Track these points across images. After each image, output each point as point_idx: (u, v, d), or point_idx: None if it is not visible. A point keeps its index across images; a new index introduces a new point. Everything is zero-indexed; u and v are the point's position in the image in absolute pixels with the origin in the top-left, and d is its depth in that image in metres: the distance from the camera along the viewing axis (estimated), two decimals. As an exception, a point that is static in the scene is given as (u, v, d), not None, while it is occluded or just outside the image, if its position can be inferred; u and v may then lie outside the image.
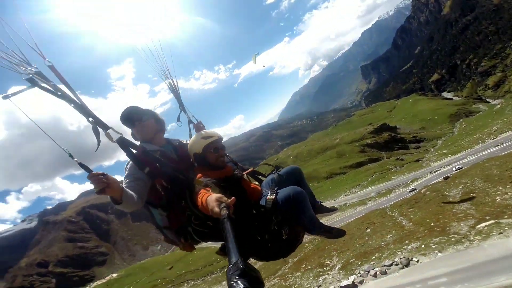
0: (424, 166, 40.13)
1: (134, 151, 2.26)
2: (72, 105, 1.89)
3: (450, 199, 19.91)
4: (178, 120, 3.06)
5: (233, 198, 1.75)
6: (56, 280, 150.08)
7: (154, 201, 2.39)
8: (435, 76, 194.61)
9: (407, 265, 14.23)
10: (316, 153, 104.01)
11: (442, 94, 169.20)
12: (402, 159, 58.51)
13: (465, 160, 33.96)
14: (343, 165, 73.76)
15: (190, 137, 3.00)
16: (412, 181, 34.31)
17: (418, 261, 14.05)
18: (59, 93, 1.83)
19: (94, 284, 75.30)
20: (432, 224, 17.02)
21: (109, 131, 2.03)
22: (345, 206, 37.64)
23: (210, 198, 1.83)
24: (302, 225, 2.41)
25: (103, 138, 2.10)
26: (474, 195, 18.51)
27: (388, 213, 23.59)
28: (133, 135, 2.65)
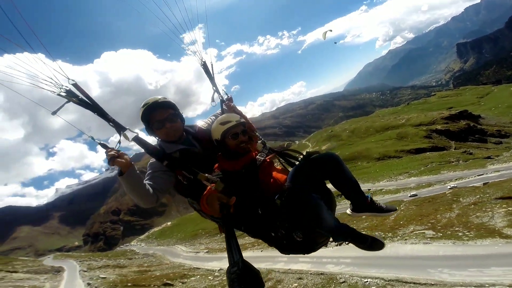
0: (489, 166, 34.84)
1: (151, 147, 2.34)
2: (96, 113, 2.17)
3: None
4: (213, 100, 3.07)
5: (233, 197, 1.70)
6: (123, 228, 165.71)
7: (182, 191, 2.43)
8: None
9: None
10: (375, 131, 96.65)
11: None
12: (471, 153, 51.00)
13: None
14: (401, 148, 67.67)
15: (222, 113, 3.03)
16: (457, 179, 30.44)
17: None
18: (86, 105, 2.15)
19: (152, 230, 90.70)
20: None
21: (126, 132, 2.23)
22: (376, 191, 36.24)
23: (211, 197, 1.82)
24: (320, 233, 2.11)
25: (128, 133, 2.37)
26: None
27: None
28: (148, 130, 2.59)
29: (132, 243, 74.98)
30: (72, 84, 2.07)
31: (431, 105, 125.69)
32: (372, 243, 2.16)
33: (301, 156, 2.46)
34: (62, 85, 2.04)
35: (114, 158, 1.99)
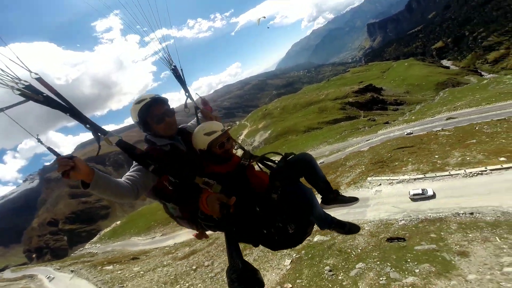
0: (386, 129, 42.93)
1: (136, 151, 2.19)
2: (68, 113, 1.90)
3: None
4: (186, 106, 2.99)
5: (233, 197, 1.72)
6: (67, 237, 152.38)
7: (165, 196, 2.39)
8: (439, 43, 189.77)
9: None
10: (301, 107, 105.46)
11: (441, 61, 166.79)
12: (374, 120, 61.45)
13: (410, 130, 34.16)
14: (322, 120, 76.45)
15: (197, 122, 2.95)
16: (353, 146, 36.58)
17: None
18: (53, 104, 1.83)
19: (103, 232, 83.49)
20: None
21: (108, 135, 2.02)
22: None
23: (211, 198, 1.83)
24: (310, 222, 2.38)
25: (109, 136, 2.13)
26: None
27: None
28: (144, 125, 2.49)
29: (86, 247, 69.00)
30: (36, 79, 1.77)
31: (346, 80, 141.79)
32: (350, 228, 2.66)
33: (279, 159, 2.63)
34: (20, 80, 1.72)
35: (68, 172, 1.68)
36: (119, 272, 22.60)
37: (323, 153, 40.64)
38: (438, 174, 16.83)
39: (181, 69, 2.93)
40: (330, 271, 12.01)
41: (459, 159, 17.61)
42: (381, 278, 10.51)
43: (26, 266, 62.81)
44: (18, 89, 1.72)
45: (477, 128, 22.12)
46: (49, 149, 1.86)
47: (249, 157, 2.55)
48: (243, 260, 1.37)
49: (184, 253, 20.81)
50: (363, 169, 22.80)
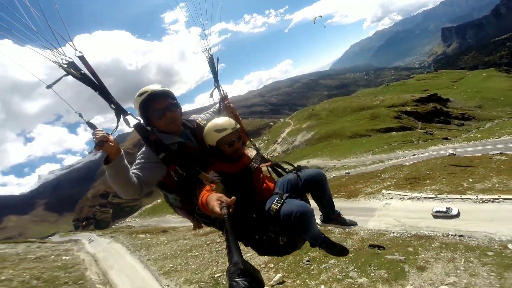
0: (442, 145, 38.20)
1: (150, 137, 2.21)
2: (97, 92, 1.99)
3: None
4: (211, 96, 2.97)
5: (233, 197, 1.72)
6: (112, 210, 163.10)
7: (169, 186, 2.37)
8: None
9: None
10: (352, 111, 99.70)
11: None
12: (432, 133, 54.88)
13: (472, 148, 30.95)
14: (372, 127, 71.07)
15: (218, 114, 2.95)
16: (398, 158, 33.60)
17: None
18: (88, 81, 1.95)
19: (144, 208, 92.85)
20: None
21: (128, 117, 2.09)
22: (334, 168, 39.51)
23: (210, 198, 1.80)
24: (303, 238, 2.34)
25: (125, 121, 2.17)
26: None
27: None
28: (146, 120, 2.40)
29: (127, 220, 78.02)
30: (79, 57, 1.90)
31: (408, 87, 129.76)
32: (340, 250, 2.61)
33: (291, 168, 2.59)
34: (65, 55, 1.84)
35: (103, 142, 1.82)
36: (149, 239, 26.35)
37: (364, 162, 37.94)
38: (449, 196, 16.40)
39: (217, 59, 2.92)
40: (308, 261, 13.63)
41: (489, 185, 16.38)
42: (340, 274, 11.78)
43: (73, 232, 72.06)
44: (61, 65, 1.86)
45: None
46: (88, 123, 1.95)
47: (259, 161, 2.56)
48: (243, 260, 1.34)
49: (204, 231, 22.23)
50: (394, 182, 21.48)
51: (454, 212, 14.61)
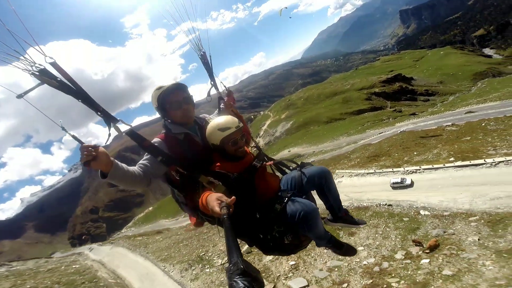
0: (409, 120, 41.29)
1: (144, 143, 2.21)
2: (80, 100, 1.89)
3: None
4: (208, 95, 2.97)
5: (233, 197, 1.71)
6: (106, 224, 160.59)
7: (173, 182, 2.41)
8: (480, 31, 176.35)
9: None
10: (325, 97, 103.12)
11: (483, 50, 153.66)
12: (400, 111, 58.94)
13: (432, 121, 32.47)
14: (345, 111, 74.51)
15: (219, 113, 2.91)
16: (368, 138, 35.40)
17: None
18: (66, 89, 1.84)
19: (136, 218, 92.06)
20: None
21: (118, 123, 2.04)
22: (313, 153, 41.91)
23: (210, 197, 1.80)
24: (308, 237, 2.32)
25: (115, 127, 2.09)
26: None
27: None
28: (163, 111, 2.48)
29: (123, 231, 77.66)
30: (50, 63, 1.77)
31: (375, 69, 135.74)
32: (347, 249, 2.57)
33: (294, 166, 2.61)
34: (35, 63, 1.74)
35: (89, 162, 1.77)
36: (146, 239, 28.61)
37: (340, 145, 40.23)
38: (385, 170, 18.05)
39: (210, 56, 2.88)
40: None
41: (428, 156, 17.89)
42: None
43: (73, 249, 71.12)
44: (32, 73, 1.74)
45: (483, 124, 20.37)
46: (73, 137, 1.90)
47: (262, 159, 2.51)
48: (243, 260, 1.35)
49: (194, 227, 24.90)
50: (357, 162, 23.18)
51: (408, 182, 15.50)
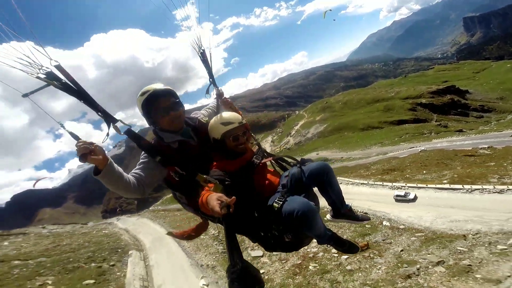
0: (433, 140, 37.68)
1: (143, 142, 2.22)
2: (82, 101, 1.94)
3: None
4: (207, 92, 2.93)
5: (233, 197, 1.69)
6: (137, 202, 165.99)
7: (172, 185, 2.37)
8: None
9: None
10: (366, 103, 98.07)
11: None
12: (446, 126, 53.79)
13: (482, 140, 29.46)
14: (384, 120, 70.05)
15: (217, 110, 2.89)
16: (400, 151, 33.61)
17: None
18: (70, 90, 1.89)
19: (164, 198, 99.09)
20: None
21: (117, 124, 2.06)
22: (340, 159, 40.30)
23: (210, 197, 1.79)
24: (308, 236, 2.27)
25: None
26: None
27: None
28: (149, 119, 2.37)
29: (150, 208, 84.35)
30: (55, 66, 1.83)
31: (427, 78, 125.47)
32: (349, 247, 2.50)
33: (294, 162, 2.55)
34: (42, 66, 1.80)
35: (85, 155, 1.78)
36: (166, 213, 33.23)
37: (369, 154, 38.24)
38: (376, 182, 19.06)
39: (210, 54, 2.83)
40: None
41: (430, 176, 17.85)
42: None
43: (103, 220, 78.67)
44: (38, 77, 1.79)
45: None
46: (71, 133, 1.90)
47: (262, 155, 2.50)
48: (243, 260, 1.33)
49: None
50: (372, 173, 22.86)
51: (411, 196, 15.47)
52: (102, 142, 1.94)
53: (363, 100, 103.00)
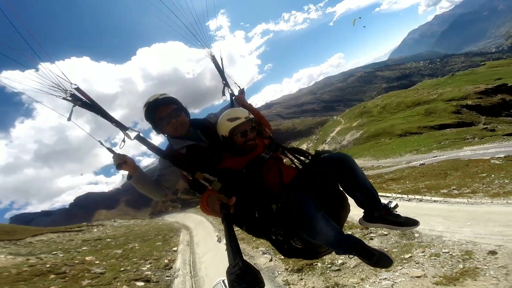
0: (465, 147, 35.07)
1: (151, 145, 2.29)
2: (99, 114, 2.16)
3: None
4: (223, 94, 2.98)
5: (233, 198, 1.66)
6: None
7: (189, 184, 2.43)
8: None
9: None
10: (406, 107, 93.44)
11: None
12: (493, 130, 49.91)
13: None
14: (425, 124, 66.50)
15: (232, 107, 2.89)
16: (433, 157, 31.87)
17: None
18: (87, 107, 2.11)
19: None
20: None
21: (128, 131, 2.21)
22: (370, 168, 40.01)
23: (211, 198, 1.82)
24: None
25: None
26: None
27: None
28: (155, 128, 2.51)
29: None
30: (75, 88, 2.05)
31: (477, 76, 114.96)
32: (378, 259, 1.95)
33: (311, 154, 2.35)
34: (67, 90, 2.03)
35: (121, 165, 2.13)
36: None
37: (399, 162, 37.71)
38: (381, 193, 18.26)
39: (221, 58, 2.92)
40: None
41: (417, 186, 17.50)
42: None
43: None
44: (65, 98, 2.05)
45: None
46: (108, 149, 2.18)
47: (273, 149, 2.38)
48: (243, 260, 1.34)
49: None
50: (383, 180, 22.74)
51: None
52: (120, 148, 2.20)
53: (402, 103, 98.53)
